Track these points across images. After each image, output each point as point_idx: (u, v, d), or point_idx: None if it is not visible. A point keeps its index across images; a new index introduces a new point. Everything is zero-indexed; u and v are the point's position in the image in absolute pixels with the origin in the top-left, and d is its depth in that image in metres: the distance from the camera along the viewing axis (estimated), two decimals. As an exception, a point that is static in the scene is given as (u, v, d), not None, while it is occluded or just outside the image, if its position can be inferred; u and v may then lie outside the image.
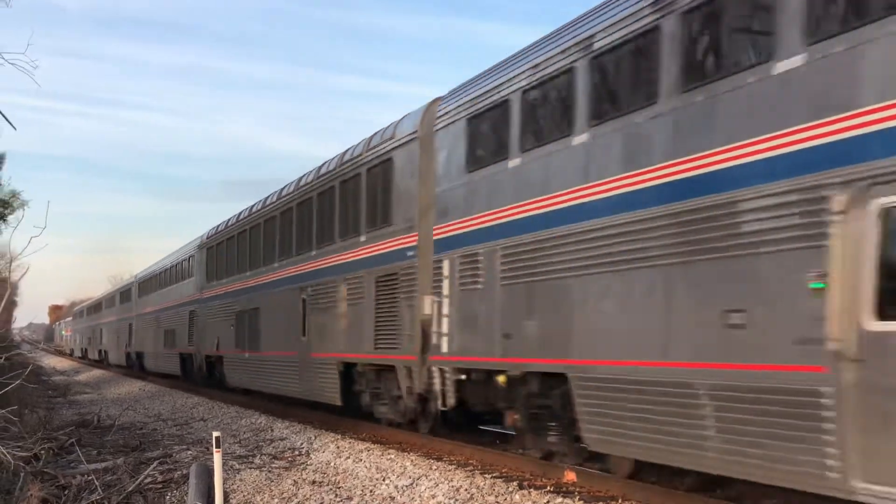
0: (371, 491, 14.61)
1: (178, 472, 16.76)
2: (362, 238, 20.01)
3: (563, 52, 13.17)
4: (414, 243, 17.69)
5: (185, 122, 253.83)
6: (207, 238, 35.35)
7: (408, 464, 16.24)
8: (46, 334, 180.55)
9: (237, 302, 30.32)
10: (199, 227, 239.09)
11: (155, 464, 17.48)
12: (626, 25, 11.82)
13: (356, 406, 21.55)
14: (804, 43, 9.28)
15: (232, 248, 31.58)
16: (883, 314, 8.48)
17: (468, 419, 18.27)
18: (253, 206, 29.61)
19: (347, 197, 20.90)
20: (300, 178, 24.97)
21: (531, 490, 13.43)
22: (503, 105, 14.64)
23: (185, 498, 14.53)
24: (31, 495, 13.76)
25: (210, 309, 34.17)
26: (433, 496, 13.76)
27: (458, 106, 16.17)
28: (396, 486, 14.64)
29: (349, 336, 20.65)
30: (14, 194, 50.28)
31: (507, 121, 14.53)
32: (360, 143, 20.89)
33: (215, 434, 12.61)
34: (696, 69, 10.66)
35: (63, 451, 19.99)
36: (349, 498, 14.19)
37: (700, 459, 10.64)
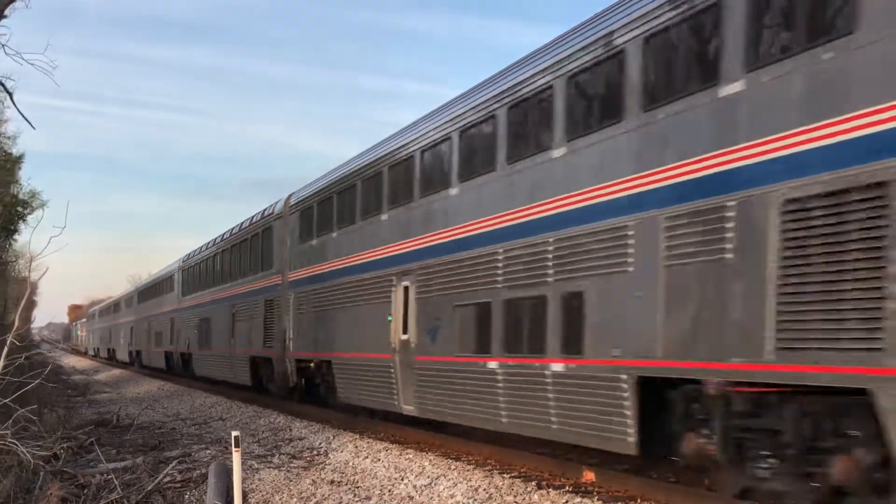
0: (389, 490, 14.63)
1: (197, 472, 16.83)
2: (259, 274, 29.69)
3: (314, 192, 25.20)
4: (280, 282, 27.14)
5: (206, 121, 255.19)
6: (183, 262, 43.29)
7: (426, 463, 16.26)
8: (65, 334, 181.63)
9: (198, 313, 38.74)
10: (219, 225, 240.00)
11: (174, 463, 17.55)
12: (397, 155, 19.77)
13: (263, 386, 30.34)
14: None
15: (196, 272, 40.18)
16: (405, 330, 18.67)
17: (308, 389, 26.51)
18: (206, 244, 38.82)
19: (252, 247, 30.86)
20: (232, 228, 34.59)
21: (550, 490, 13.42)
22: (309, 209, 24.98)
23: (204, 497, 14.58)
24: (51, 494, 13.84)
25: (184, 317, 42.24)
26: (452, 496, 13.77)
27: (295, 202, 26.37)
28: (415, 486, 14.66)
29: (253, 338, 29.82)
30: (33, 194, 50.62)
31: (310, 218, 24.75)
32: (255, 215, 31.08)
33: (234, 433, 12.65)
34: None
35: (82, 450, 20.11)
36: (368, 498, 14.21)
37: (362, 397, 21.44)
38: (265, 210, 29.89)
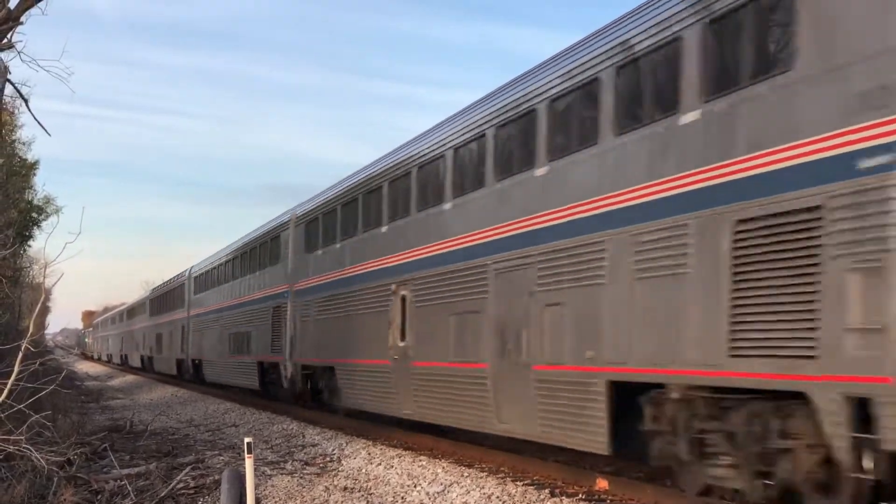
0: (402, 497, 14.67)
1: (211, 478, 16.90)
2: (267, 283, 30.66)
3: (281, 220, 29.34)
4: (287, 290, 28.19)
5: (221, 127, 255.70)
6: (194, 270, 45.67)
7: (439, 470, 16.30)
8: (79, 340, 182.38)
9: (209, 320, 40.45)
10: (233, 231, 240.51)
11: (187, 469, 17.63)
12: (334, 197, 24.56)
13: (270, 391, 31.64)
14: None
15: (206, 280, 41.76)
16: (403, 338, 19.47)
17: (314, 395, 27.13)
18: (216, 253, 40.99)
19: (261, 256, 31.98)
20: (242, 237, 36.23)
21: (563, 497, 13.44)
22: (314, 220, 25.88)
23: (218, 503, 14.65)
24: (65, 500, 13.92)
25: (194, 324, 44.05)
26: (465, 503, 13.81)
27: (301, 214, 27.53)
28: (428, 493, 14.70)
29: (261, 345, 30.92)
30: (48, 200, 50.89)
31: (315, 230, 25.74)
32: (264, 225, 32.62)
33: (247, 440, 12.72)
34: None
35: (96, 455, 20.20)
36: (380, 504, 14.26)
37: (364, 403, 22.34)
38: (273, 221, 31.29)
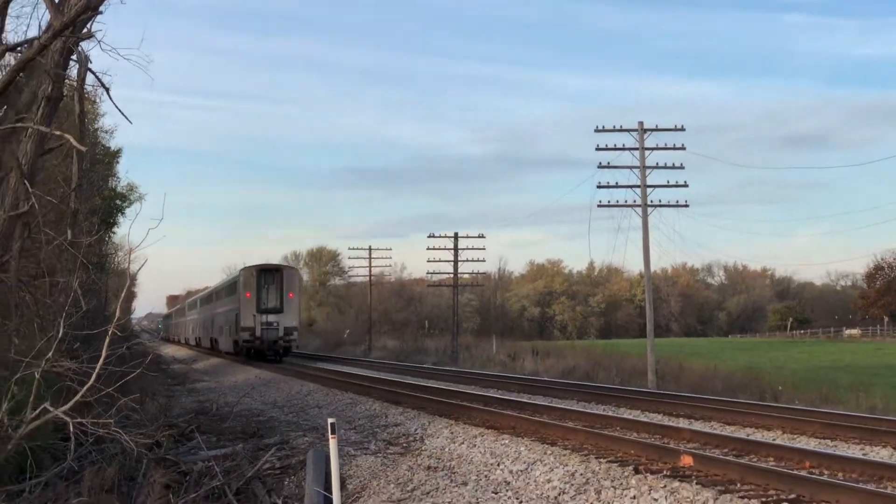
0: (486, 476, 14.75)
1: (296, 459, 17.16)
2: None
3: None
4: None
5: (296, 111, 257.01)
6: (237, 278, 58.04)
7: (522, 449, 16.33)
8: (160, 324, 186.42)
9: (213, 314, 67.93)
10: (315, 217, 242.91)
11: (273, 450, 17.92)
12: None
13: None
14: None
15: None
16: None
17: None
18: (209, 287, 67.65)
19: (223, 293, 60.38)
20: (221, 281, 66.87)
21: (647, 474, 13.42)
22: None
23: (303, 483, 14.89)
24: (154, 481, 14.26)
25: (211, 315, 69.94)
26: (548, 480, 13.85)
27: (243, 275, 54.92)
28: (511, 471, 14.77)
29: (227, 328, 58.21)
30: (131, 187, 51.98)
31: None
32: (230, 276, 60.54)
33: (330, 420, 12.88)
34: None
35: (183, 437, 20.64)
36: (464, 483, 14.36)
37: None
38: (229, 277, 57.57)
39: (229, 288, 61.75)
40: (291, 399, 30.81)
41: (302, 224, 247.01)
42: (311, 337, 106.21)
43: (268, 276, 53.16)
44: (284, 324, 52.68)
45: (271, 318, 52.57)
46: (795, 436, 18.81)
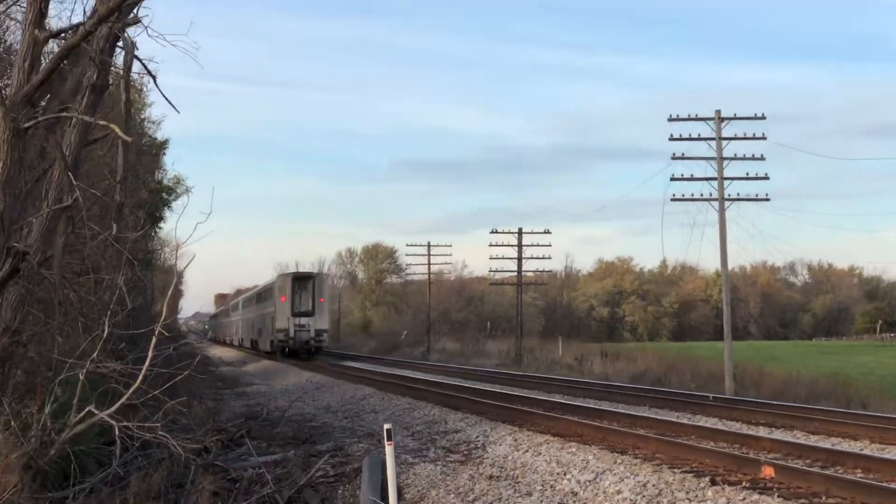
0: (552, 486, 14.70)
1: (350, 466, 17.22)
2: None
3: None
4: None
5: (351, 98, 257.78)
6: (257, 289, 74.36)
7: (590, 457, 16.25)
8: (209, 324, 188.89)
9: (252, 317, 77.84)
10: (372, 211, 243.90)
11: (326, 457, 18.00)
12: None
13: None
14: None
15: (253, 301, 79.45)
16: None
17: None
18: (253, 288, 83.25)
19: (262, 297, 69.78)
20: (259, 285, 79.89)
21: (725, 486, 13.30)
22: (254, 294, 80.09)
23: (358, 492, 14.94)
24: (203, 488, 14.39)
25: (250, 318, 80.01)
26: (618, 491, 13.77)
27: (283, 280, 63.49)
28: (579, 481, 14.70)
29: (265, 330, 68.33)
30: (178, 180, 52.39)
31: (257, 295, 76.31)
32: (268, 282, 69.96)
33: (386, 426, 12.92)
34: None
35: (232, 443, 20.81)
36: (529, 493, 14.32)
37: None
38: (269, 282, 66.12)
39: (267, 292, 70.05)
40: (346, 403, 30.97)
41: (359, 219, 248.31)
42: (367, 338, 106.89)
43: (301, 282, 61.41)
44: (316, 326, 61.48)
45: (304, 320, 61.03)
46: (885, 446, 18.54)
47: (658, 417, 22.56)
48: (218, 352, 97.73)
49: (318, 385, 39.77)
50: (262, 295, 74.76)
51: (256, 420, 25.92)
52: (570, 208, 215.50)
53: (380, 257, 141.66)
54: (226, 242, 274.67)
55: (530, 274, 71.51)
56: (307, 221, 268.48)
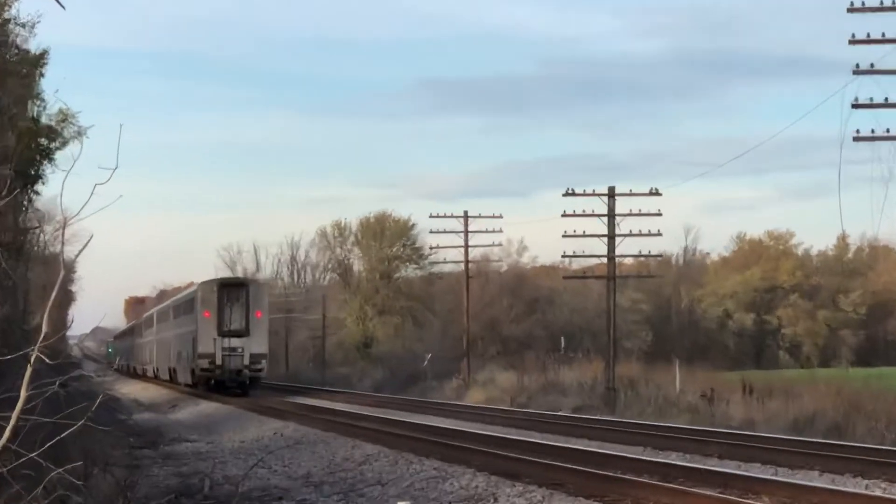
0: None
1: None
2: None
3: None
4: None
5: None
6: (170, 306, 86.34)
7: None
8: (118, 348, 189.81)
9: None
10: (373, 163, 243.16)
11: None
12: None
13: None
14: None
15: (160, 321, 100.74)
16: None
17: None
18: (152, 309, 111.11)
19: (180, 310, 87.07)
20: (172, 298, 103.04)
21: None
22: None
23: None
24: None
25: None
26: None
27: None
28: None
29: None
30: (64, 116, 51.80)
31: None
32: (183, 290, 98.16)
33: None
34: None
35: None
36: None
37: None
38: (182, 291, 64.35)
39: (185, 305, 77.01)
40: (336, 470, 30.98)
41: (354, 176, 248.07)
42: (368, 366, 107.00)
43: (231, 292, 68.09)
44: (251, 349, 67.15)
45: (235, 342, 67.29)
46: None
47: (838, 489, 22.47)
48: (131, 389, 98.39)
49: (291, 441, 39.81)
50: (180, 309, 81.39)
51: (194, 499, 25.94)
52: (689, 156, 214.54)
53: (388, 236, 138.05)
54: (145, 219, 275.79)
55: (629, 261, 71.38)
56: (274, 182, 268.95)
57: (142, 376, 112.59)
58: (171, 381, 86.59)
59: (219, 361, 66.19)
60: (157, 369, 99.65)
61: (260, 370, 68.45)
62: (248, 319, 67.14)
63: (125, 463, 33.04)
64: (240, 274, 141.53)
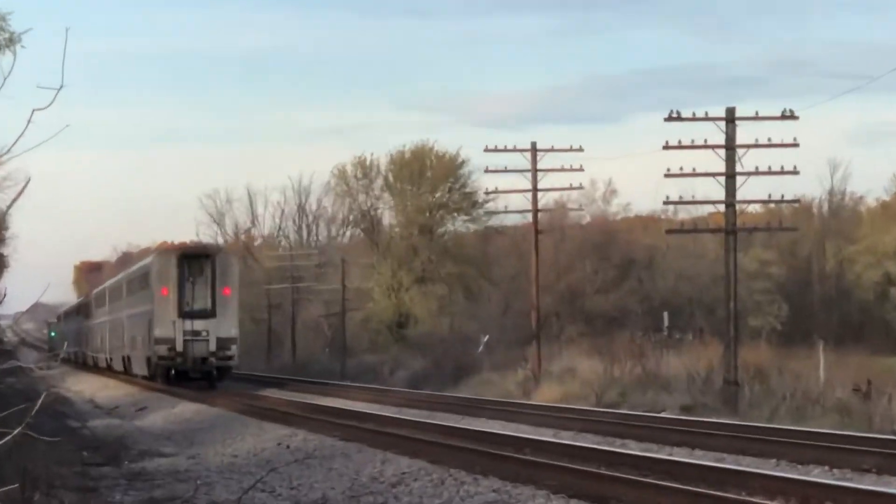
0: None
1: None
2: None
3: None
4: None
5: None
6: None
7: None
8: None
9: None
10: (400, 73, 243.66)
11: None
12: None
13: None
14: None
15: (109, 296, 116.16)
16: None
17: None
18: (106, 283, 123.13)
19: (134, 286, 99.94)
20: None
21: None
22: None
23: None
24: None
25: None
26: None
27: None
28: None
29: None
30: (-5, 18, 52.51)
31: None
32: (141, 264, 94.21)
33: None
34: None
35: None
36: None
37: None
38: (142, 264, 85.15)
39: (139, 280, 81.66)
40: (361, 493, 31.11)
41: (380, 96, 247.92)
42: (402, 351, 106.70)
43: (193, 264, 71.24)
44: (218, 333, 70.87)
45: (199, 325, 70.38)
46: None
47: None
48: (85, 386, 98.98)
49: (299, 454, 39.89)
50: (134, 284, 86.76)
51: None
52: (836, 66, 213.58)
53: (429, 178, 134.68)
54: (102, 158, 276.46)
55: (754, 208, 70.98)
56: (276, 105, 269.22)
57: (94, 368, 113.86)
58: (126, 373, 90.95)
59: (179, 348, 69.70)
60: (110, 358, 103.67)
61: (229, 358, 72.12)
62: (214, 298, 70.31)
63: (77, 485, 33.20)
64: (229, 231, 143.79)
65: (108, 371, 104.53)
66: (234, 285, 73.24)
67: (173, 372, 71.15)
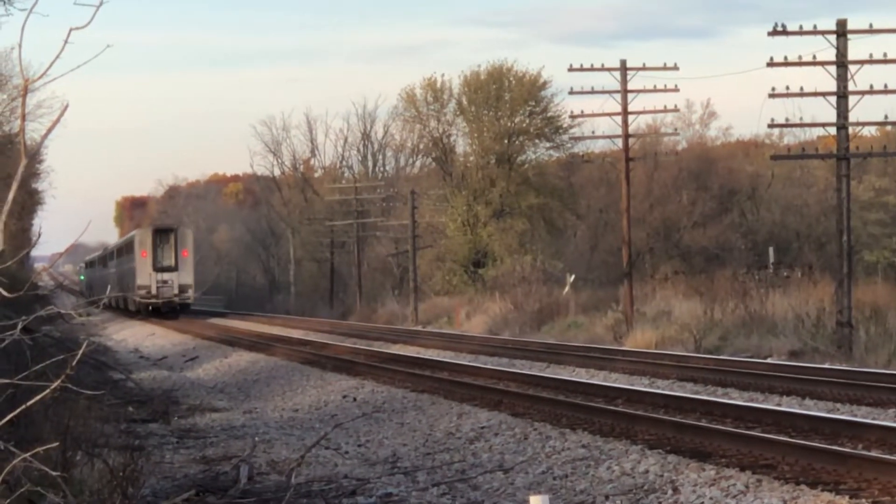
0: None
1: None
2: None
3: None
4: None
5: None
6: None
7: None
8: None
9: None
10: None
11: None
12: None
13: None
14: None
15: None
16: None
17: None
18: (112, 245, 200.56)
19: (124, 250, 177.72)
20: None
21: None
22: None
23: None
24: None
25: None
26: None
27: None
28: None
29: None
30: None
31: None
32: (127, 236, 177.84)
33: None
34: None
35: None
36: None
37: None
38: (128, 237, 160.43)
39: (128, 246, 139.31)
40: (436, 450, 31.12)
41: (451, 10, 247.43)
42: (481, 294, 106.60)
43: (163, 235, 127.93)
44: (179, 281, 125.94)
45: (166, 276, 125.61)
46: None
47: None
48: (128, 333, 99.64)
49: (367, 407, 39.96)
50: (125, 249, 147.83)
51: (223, 494, 26.05)
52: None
53: (508, 101, 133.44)
54: (146, 83, 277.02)
55: (870, 132, 70.47)
56: (337, 23, 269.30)
57: (137, 314, 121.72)
58: (119, 309, 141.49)
59: (154, 291, 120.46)
60: (116, 299, 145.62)
61: (187, 297, 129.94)
62: (176, 257, 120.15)
63: (122, 444, 33.20)
64: (287, 162, 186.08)
65: (154, 320, 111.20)
66: (191, 249, 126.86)
67: (150, 307, 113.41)
